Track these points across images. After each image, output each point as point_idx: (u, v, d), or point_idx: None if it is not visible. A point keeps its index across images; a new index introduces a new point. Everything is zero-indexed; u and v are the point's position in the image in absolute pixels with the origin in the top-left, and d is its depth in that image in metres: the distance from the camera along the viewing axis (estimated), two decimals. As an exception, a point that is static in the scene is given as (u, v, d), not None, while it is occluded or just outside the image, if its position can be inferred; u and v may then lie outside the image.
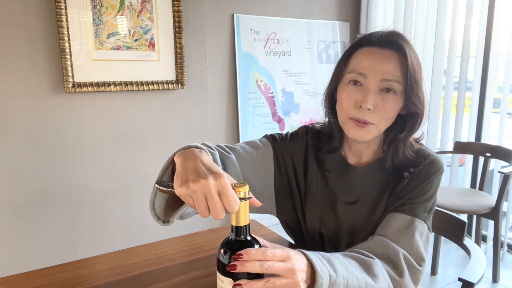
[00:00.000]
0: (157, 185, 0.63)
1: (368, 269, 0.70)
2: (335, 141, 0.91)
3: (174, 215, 0.70)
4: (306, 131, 0.97)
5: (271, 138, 0.95)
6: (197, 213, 0.77)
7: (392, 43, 0.80)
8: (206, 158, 0.65)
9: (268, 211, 0.94)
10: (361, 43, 0.83)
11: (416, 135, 0.89)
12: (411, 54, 0.79)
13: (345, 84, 0.83)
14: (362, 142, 0.86)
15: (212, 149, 0.80)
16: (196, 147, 0.71)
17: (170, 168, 0.71)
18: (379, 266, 0.72)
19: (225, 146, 0.88)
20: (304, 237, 0.95)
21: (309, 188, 0.92)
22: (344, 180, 0.90)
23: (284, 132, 0.99)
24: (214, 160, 0.77)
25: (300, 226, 0.95)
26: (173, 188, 0.60)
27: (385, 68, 0.78)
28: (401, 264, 0.74)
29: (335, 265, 0.65)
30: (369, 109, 0.78)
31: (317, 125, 0.98)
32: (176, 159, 0.66)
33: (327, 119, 0.93)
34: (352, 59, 0.83)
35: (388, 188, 0.87)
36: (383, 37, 0.81)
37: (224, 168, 0.82)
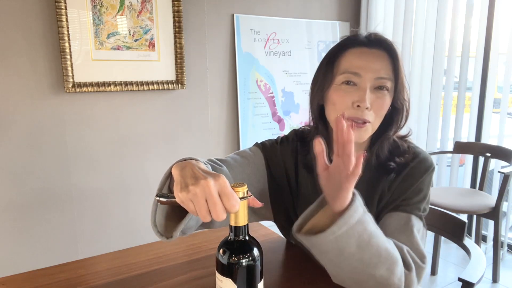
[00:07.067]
0: (157, 198, 0.63)
1: (390, 243, 0.73)
2: None
3: (176, 229, 0.70)
4: (295, 135, 0.98)
5: (261, 145, 0.97)
6: (199, 225, 0.78)
7: (381, 42, 0.82)
8: (203, 165, 0.66)
9: (265, 216, 0.96)
10: (347, 44, 0.84)
11: (403, 132, 0.90)
12: (398, 52, 0.82)
13: (337, 85, 0.83)
14: (357, 143, 0.86)
15: (204, 163, 0.81)
16: (191, 159, 0.71)
17: (168, 183, 0.71)
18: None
19: (216, 159, 0.89)
20: None
21: (301, 192, 0.93)
22: None
23: (281, 133, 1.00)
24: None
25: None
26: (173, 198, 0.60)
27: (377, 66, 0.80)
28: (407, 258, 0.75)
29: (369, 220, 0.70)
30: (367, 108, 0.79)
31: (307, 129, 0.98)
32: (173, 171, 0.66)
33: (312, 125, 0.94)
34: (341, 60, 0.83)
35: (375, 184, 0.87)
36: (371, 37, 0.83)
37: None
